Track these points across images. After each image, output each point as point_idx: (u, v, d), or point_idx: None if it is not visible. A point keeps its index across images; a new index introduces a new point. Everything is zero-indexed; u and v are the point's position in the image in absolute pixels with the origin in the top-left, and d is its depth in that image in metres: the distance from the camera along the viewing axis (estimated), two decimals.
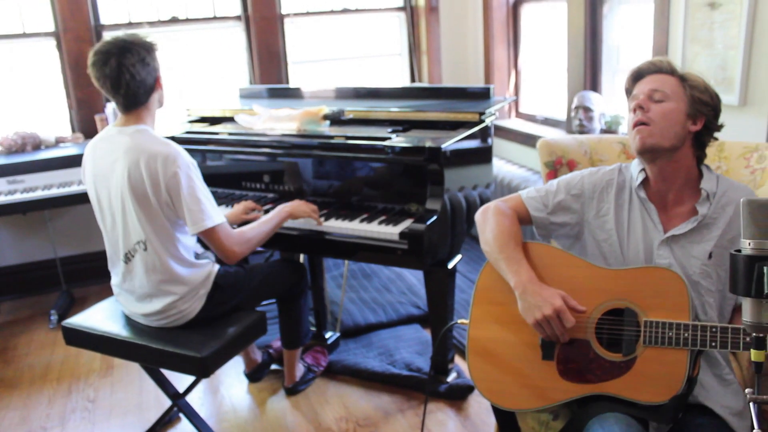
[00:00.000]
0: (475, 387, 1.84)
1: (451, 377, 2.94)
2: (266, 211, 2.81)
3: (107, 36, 2.30)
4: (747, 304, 1.21)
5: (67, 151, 3.95)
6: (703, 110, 1.70)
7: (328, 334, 3.33)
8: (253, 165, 3.02)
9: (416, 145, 2.57)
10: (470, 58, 5.07)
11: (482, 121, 2.83)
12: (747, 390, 1.14)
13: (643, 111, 1.69)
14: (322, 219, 2.68)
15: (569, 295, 1.68)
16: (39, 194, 3.71)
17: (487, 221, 1.87)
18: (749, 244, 1.21)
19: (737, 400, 1.65)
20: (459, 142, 2.66)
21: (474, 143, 2.84)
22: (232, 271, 2.55)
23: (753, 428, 1.11)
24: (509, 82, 4.84)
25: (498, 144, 4.64)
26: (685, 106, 1.69)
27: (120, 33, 2.30)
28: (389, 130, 2.83)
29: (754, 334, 1.17)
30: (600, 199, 1.84)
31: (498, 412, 1.85)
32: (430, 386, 2.90)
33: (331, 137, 2.81)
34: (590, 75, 3.93)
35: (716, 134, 1.78)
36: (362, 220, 2.63)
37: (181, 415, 2.82)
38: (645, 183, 1.78)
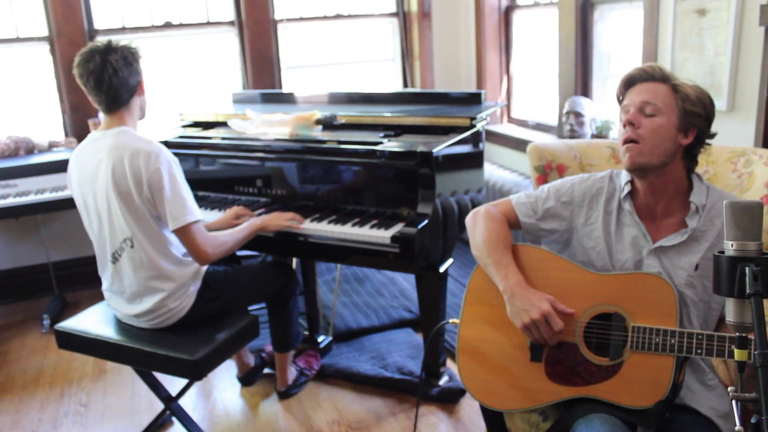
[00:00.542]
0: (464, 387, 1.85)
1: (443, 381, 2.95)
2: (257, 216, 2.82)
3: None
4: (730, 305, 1.23)
5: (60, 155, 3.95)
6: (695, 122, 1.67)
7: (320, 338, 3.33)
8: (246, 169, 3.03)
9: (408, 150, 2.59)
10: (462, 64, 5.10)
11: (473, 126, 2.85)
12: (729, 388, 1.15)
13: (633, 127, 1.67)
14: (314, 223, 2.69)
15: (558, 298, 1.69)
16: (32, 198, 3.71)
17: (477, 225, 1.88)
18: (732, 245, 1.23)
19: (723, 403, 1.66)
20: (450, 147, 2.68)
21: (465, 148, 2.86)
22: (221, 269, 2.58)
23: (736, 426, 1.12)
24: (501, 88, 4.87)
25: (490, 149, 4.67)
26: (677, 120, 1.66)
27: (105, 39, 2.36)
28: (381, 134, 2.85)
29: (737, 334, 1.19)
30: (589, 207, 1.84)
31: (486, 413, 1.86)
32: (422, 390, 2.92)
33: (324, 142, 2.83)
34: (581, 80, 3.96)
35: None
36: (354, 224, 2.64)
37: (173, 418, 2.82)
38: (633, 194, 1.78)
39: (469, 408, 2.82)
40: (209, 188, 3.08)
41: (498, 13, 4.75)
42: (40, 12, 4.17)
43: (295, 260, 3.41)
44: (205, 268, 2.50)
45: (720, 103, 2.78)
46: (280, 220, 2.68)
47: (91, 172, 2.35)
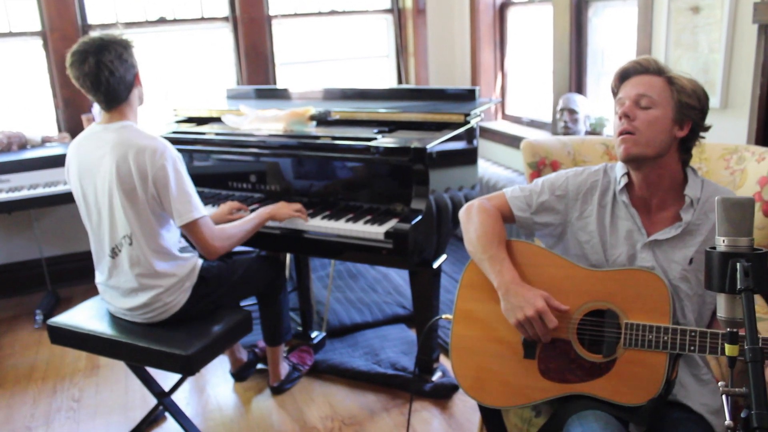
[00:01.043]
0: (457, 384, 1.85)
1: (436, 376, 2.95)
2: (252, 211, 2.82)
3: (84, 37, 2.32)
4: (721, 300, 1.24)
5: (53, 150, 3.94)
6: (691, 114, 1.66)
7: (314, 334, 3.34)
8: (240, 165, 3.03)
9: (402, 146, 2.59)
10: (457, 60, 5.10)
11: (467, 122, 2.85)
12: (720, 383, 1.16)
13: (629, 119, 1.66)
14: (308, 218, 2.69)
15: (552, 295, 1.69)
16: (24, 194, 3.70)
17: (471, 220, 1.87)
18: (723, 241, 1.24)
19: (715, 399, 1.67)
20: (444, 143, 2.68)
21: (459, 144, 2.87)
22: (216, 264, 2.58)
23: (726, 420, 1.13)
24: (495, 85, 4.87)
25: (484, 145, 4.68)
26: (672, 112, 1.65)
27: (94, 33, 2.32)
28: (375, 130, 2.85)
29: (728, 329, 1.20)
30: (584, 201, 1.84)
31: (484, 410, 1.87)
32: (415, 385, 2.92)
33: (318, 137, 2.82)
34: (575, 77, 3.97)
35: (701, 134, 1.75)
36: (348, 220, 2.64)
37: (166, 414, 2.81)
38: (629, 187, 1.78)
39: (462, 404, 2.82)
40: (203, 184, 3.08)
41: (493, 9, 4.75)
42: (33, 7, 4.15)
43: (288, 256, 3.40)
44: (200, 263, 2.50)
45: (713, 101, 2.79)
46: (288, 209, 2.67)
47: (92, 166, 2.33)
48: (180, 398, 2.96)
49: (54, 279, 4.26)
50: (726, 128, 2.78)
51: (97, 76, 2.24)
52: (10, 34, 4.18)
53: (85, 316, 2.58)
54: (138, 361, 2.48)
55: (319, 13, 4.92)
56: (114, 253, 2.39)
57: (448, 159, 2.78)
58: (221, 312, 2.54)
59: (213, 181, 3.10)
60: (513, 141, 4.33)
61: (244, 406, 2.94)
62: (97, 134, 2.35)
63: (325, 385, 3.05)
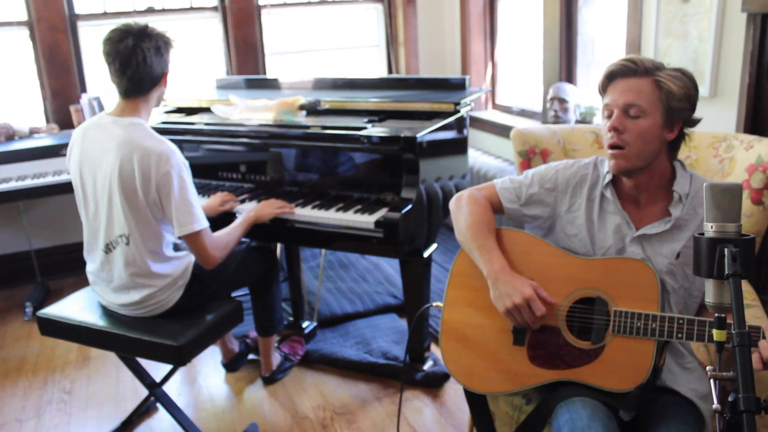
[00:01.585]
0: (447, 371, 1.86)
1: (428, 365, 2.96)
2: (242, 201, 2.82)
3: (123, 21, 2.28)
4: (709, 286, 1.25)
5: (41, 141, 3.91)
6: (681, 116, 1.65)
7: (305, 324, 3.34)
8: (230, 155, 3.02)
9: (392, 135, 2.59)
10: (447, 50, 5.09)
11: (457, 111, 2.85)
12: (708, 367, 1.17)
13: (618, 133, 1.63)
14: (298, 208, 2.69)
15: (541, 283, 1.70)
16: (13, 185, 3.67)
17: (461, 210, 1.88)
18: (712, 227, 1.24)
19: (702, 385, 1.69)
20: (434, 133, 2.68)
21: (450, 134, 2.87)
22: None
23: (714, 404, 1.14)
24: (486, 74, 4.87)
25: (475, 135, 4.68)
26: (662, 118, 1.63)
27: (142, 20, 2.29)
28: (365, 120, 2.84)
29: (716, 314, 1.21)
30: (573, 194, 1.84)
31: (469, 396, 1.88)
32: (406, 374, 2.93)
33: (308, 127, 2.82)
34: (565, 67, 3.97)
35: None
36: (338, 209, 2.64)
37: (158, 405, 2.82)
38: (616, 182, 1.77)
39: (454, 392, 2.84)
40: (193, 174, 3.02)
41: None
42: None
43: (279, 246, 3.40)
44: (194, 260, 2.47)
45: (703, 90, 2.80)
46: (271, 208, 2.67)
47: (94, 158, 2.29)
48: (171, 389, 2.96)
49: (44, 271, 4.24)
50: (715, 117, 2.79)
51: (130, 58, 2.20)
52: None
53: (76, 307, 2.56)
54: (129, 352, 2.47)
55: (309, 3, 4.90)
56: (108, 249, 2.36)
57: (439, 148, 2.78)
58: (212, 302, 2.53)
59: (203, 172, 3.09)
60: (503, 130, 4.33)
61: (235, 397, 2.94)
62: (105, 126, 2.30)
63: (317, 375, 3.06)
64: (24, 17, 4.16)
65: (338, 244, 2.68)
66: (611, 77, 1.69)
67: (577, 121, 3.67)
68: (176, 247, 2.47)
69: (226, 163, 3.03)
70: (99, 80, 4.41)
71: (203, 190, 3.03)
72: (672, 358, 1.71)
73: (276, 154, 2.89)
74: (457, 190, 2.94)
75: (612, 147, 1.66)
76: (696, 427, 1.59)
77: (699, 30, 2.84)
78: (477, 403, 1.90)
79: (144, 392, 2.74)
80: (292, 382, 3.00)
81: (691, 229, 1.69)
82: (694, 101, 1.66)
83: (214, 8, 4.60)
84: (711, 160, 2.15)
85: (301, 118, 2.97)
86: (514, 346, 1.74)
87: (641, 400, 1.57)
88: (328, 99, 3.08)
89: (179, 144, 3.07)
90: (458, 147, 3.00)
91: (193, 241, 2.31)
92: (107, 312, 2.50)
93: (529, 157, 2.33)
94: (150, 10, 4.44)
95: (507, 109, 4.71)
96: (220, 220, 2.73)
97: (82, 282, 2.60)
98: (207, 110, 3.33)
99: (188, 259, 2.46)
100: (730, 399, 1.11)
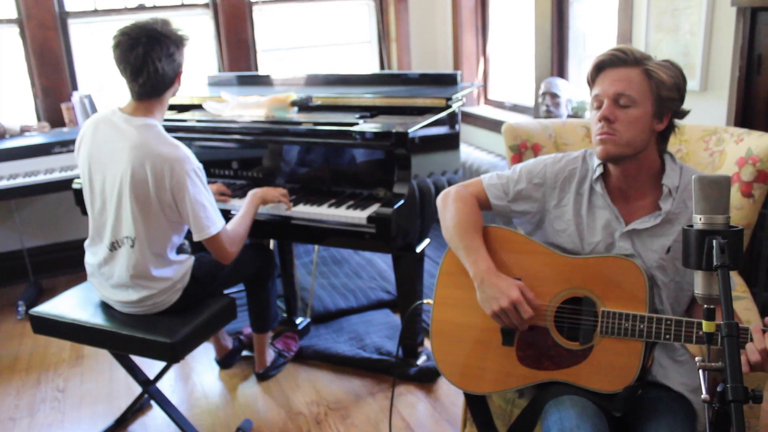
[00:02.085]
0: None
1: (421, 360, 2.97)
2: (235, 197, 2.82)
3: (139, 18, 2.23)
4: (698, 277, 1.25)
5: (32, 140, 3.89)
6: (670, 106, 1.63)
7: (298, 320, 3.34)
8: (222, 152, 3.02)
9: (383, 130, 2.59)
10: (439, 46, 5.10)
11: (449, 107, 2.86)
12: (697, 358, 1.18)
13: (609, 122, 1.62)
14: (291, 204, 2.69)
15: (529, 282, 1.69)
16: (4, 184, 3.65)
17: (447, 208, 1.85)
18: (700, 219, 1.25)
19: (693, 378, 1.68)
20: (426, 128, 2.68)
21: (441, 129, 2.87)
22: (206, 260, 2.55)
23: (702, 394, 1.15)
24: (478, 70, 4.87)
25: (467, 130, 4.68)
26: (652, 108, 1.62)
27: (152, 18, 2.23)
28: (357, 116, 2.84)
29: (705, 306, 1.21)
30: (561, 189, 1.81)
31: (468, 395, 1.88)
32: (400, 369, 2.94)
33: (299, 123, 2.82)
34: (557, 61, 3.98)
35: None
36: (330, 205, 2.64)
37: (152, 402, 2.82)
38: (606, 176, 1.75)
39: (447, 387, 2.84)
40: None
41: None
42: None
43: (272, 242, 3.40)
44: (192, 262, 2.47)
45: (693, 83, 2.81)
46: (274, 191, 2.65)
47: (105, 155, 2.27)
48: (165, 386, 2.96)
49: (36, 270, 4.22)
50: (705, 110, 2.81)
51: (141, 69, 2.17)
52: None
53: (68, 305, 2.55)
54: (122, 349, 2.47)
55: None
56: (113, 247, 2.35)
57: (430, 143, 2.78)
58: (206, 299, 2.53)
59: None
60: (495, 125, 4.34)
61: (229, 393, 2.94)
62: (118, 124, 2.26)
63: (311, 371, 3.06)
64: (14, 15, 4.13)
65: (331, 239, 2.68)
66: (600, 67, 1.67)
67: (569, 116, 3.68)
68: (179, 249, 2.47)
69: (218, 160, 3.02)
70: (90, 78, 4.40)
71: None
72: (663, 351, 1.70)
73: (268, 151, 2.89)
74: (450, 185, 2.94)
75: (601, 134, 1.64)
76: (687, 421, 1.58)
77: (689, 24, 2.85)
78: (475, 399, 1.89)
79: (138, 390, 2.75)
80: (286, 379, 3.01)
81: (682, 223, 1.66)
82: (683, 92, 1.66)
83: (206, 5, 4.59)
84: (701, 154, 2.16)
85: (293, 115, 2.96)
86: (504, 346, 1.73)
87: (629, 401, 1.57)
88: (320, 95, 3.08)
89: None
90: (450, 142, 3.01)
91: (211, 243, 2.31)
92: (100, 310, 2.49)
93: (521, 151, 2.33)
94: (141, 7, 4.42)
95: (499, 104, 4.72)
96: None
97: (75, 280, 2.60)
98: (199, 107, 3.33)
99: (189, 262, 2.45)
100: (718, 389, 1.12)
